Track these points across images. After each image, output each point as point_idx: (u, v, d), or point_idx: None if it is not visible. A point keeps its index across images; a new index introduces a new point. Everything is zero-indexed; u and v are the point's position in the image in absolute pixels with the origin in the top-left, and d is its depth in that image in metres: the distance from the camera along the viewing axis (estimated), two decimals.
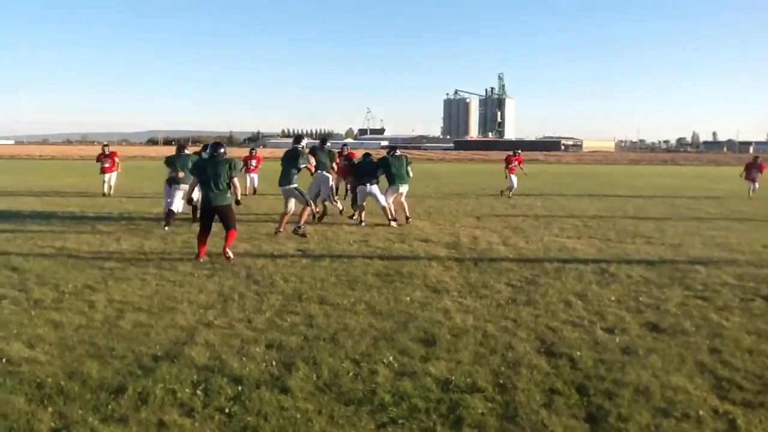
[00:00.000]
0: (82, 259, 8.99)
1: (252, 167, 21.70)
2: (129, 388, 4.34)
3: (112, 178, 20.28)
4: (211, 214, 9.09)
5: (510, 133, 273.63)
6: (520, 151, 23.07)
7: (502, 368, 4.89)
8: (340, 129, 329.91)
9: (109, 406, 4.06)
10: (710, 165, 77.72)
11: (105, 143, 22.23)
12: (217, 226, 9.15)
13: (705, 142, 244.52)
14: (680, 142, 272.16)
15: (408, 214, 13.77)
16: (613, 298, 7.09)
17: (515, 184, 21.77)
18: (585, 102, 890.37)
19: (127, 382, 4.47)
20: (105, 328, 5.75)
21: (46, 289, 7.14)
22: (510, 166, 21.59)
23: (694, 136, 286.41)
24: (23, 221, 13.13)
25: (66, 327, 5.77)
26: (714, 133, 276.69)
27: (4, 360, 4.87)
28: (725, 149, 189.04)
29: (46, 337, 5.45)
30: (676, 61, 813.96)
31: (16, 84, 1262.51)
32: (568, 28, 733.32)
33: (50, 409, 4.00)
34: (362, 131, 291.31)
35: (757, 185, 23.14)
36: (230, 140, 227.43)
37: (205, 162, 9.23)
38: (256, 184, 21.60)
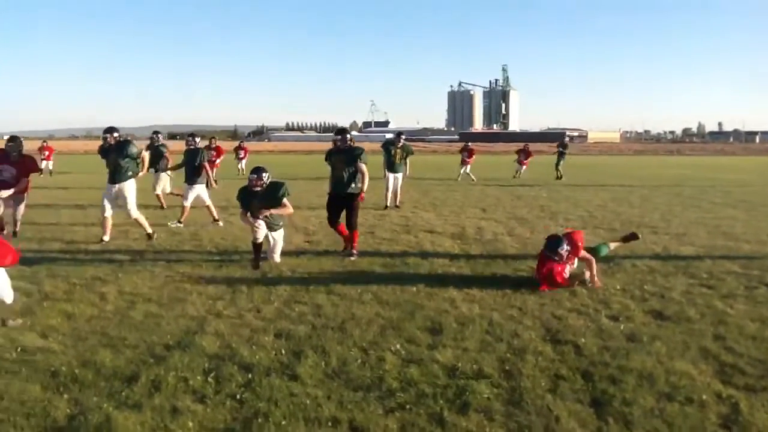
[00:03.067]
0: (92, 252, 9.10)
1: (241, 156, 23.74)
2: (142, 376, 4.43)
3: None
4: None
5: (514, 125, 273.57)
6: None
7: (508, 355, 4.96)
8: (345, 122, 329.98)
9: (123, 393, 4.15)
10: (716, 155, 77.49)
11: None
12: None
13: (711, 133, 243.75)
14: (686, 132, 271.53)
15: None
16: (618, 287, 7.14)
17: None
18: (590, 93, 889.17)
19: (140, 370, 4.56)
20: (116, 319, 5.84)
21: (58, 281, 7.23)
22: None
23: (700, 126, 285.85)
24: (30, 215, 13.21)
25: (78, 318, 5.86)
26: (720, 124, 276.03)
27: (19, 349, 4.96)
28: (731, 139, 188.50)
29: (59, 328, 5.54)
30: (681, 53, 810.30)
31: (22, 80, 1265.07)
32: (572, 20, 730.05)
33: (66, 396, 4.09)
34: (366, 124, 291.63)
35: (524, 168, 27.55)
36: (235, 134, 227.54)
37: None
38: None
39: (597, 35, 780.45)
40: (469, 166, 25.71)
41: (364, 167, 8.82)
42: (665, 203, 16.89)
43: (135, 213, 10.04)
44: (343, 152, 8.92)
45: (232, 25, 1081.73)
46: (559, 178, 26.45)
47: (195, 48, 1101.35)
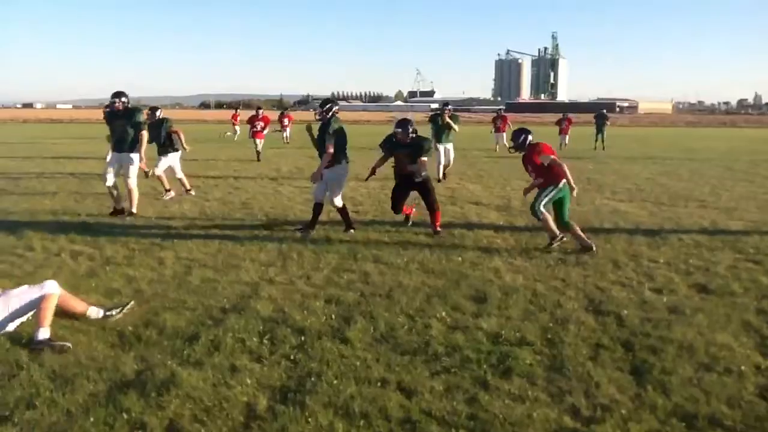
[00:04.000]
0: (148, 219, 9.47)
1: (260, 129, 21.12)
2: (202, 336, 4.71)
3: None
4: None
5: (563, 95, 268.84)
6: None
7: (551, 324, 5.10)
8: (390, 91, 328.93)
9: (185, 352, 4.43)
10: None
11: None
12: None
13: None
14: (741, 103, 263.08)
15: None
16: (662, 261, 7.18)
17: None
18: (642, 63, 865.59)
19: (199, 331, 4.84)
20: (175, 283, 6.16)
21: (118, 246, 7.60)
22: None
23: (757, 97, 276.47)
24: (90, 183, 13.74)
25: (139, 281, 6.19)
26: None
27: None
28: None
29: (122, 290, 5.87)
30: (737, 20, 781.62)
31: (74, 50, 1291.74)
32: None
33: (132, 354, 4.39)
34: (412, 93, 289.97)
35: (567, 138, 27.62)
36: (280, 103, 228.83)
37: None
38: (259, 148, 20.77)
39: (649, 2, 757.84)
40: (504, 135, 25.80)
41: (426, 159, 8.38)
42: (716, 176, 16.62)
43: (133, 184, 9.77)
44: (407, 146, 8.36)
45: None
46: (603, 149, 27.04)
47: (240, 18, 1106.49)
